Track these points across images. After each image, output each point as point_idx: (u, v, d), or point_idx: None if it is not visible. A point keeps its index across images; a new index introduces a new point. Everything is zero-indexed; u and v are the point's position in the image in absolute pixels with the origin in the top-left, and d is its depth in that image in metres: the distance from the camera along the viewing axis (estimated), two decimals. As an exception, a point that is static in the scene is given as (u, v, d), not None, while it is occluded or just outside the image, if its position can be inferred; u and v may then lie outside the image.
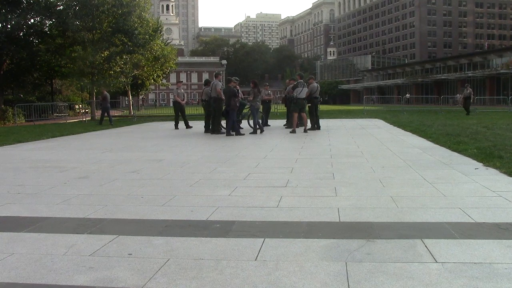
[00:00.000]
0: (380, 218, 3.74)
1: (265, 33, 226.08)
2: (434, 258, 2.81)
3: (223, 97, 12.71)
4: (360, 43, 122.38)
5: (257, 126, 12.84)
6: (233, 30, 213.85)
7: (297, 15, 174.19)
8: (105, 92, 20.37)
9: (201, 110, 18.35)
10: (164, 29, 45.03)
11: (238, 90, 13.01)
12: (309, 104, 13.83)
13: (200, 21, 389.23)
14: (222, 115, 13.11)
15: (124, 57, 28.14)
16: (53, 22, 26.38)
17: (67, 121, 24.90)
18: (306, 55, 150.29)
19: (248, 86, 14.67)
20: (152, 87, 59.11)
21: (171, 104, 18.96)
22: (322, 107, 30.01)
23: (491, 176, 5.48)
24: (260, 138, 11.64)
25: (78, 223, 3.81)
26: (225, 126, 13.02)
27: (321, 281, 2.51)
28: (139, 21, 28.05)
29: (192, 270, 2.72)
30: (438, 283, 2.45)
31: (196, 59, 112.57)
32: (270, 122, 16.41)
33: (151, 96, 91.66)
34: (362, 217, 3.79)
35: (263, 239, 3.26)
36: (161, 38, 40.38)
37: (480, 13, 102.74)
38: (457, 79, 58.22)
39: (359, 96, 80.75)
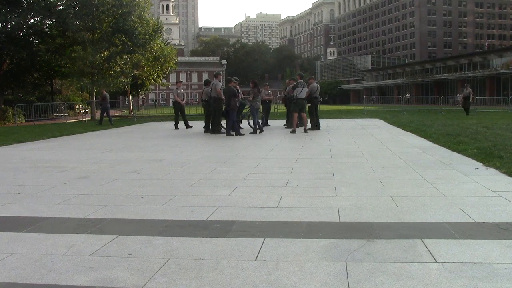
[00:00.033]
0: (380, 218, 3.74)
1: (265, 33, 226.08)
2: (434, 258, 2.81)
3: (223, 97, 12.71)
4: (360, 43, 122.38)
5: (257, 126, 12.85)
6: (233, 30, 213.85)
7: (297, 15, 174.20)
8: (105, 92, 20.37)
9: (201, 110, 18.35)
10: (164, 29, 45.03)
11: (238, 90, 13.01)
12: (309, 104, 13.83)
13: (200, 21, 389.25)
14: (222, 115, 13.11)
15: (124, 57, 28.14)
16: (53, 22, 26.37)
17: (67, 121, 24.90)
18: (306, 55, 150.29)
19: (248, 86, 14.68)
20: (152, 87, 59.11)
21: (171, 104, 18.96)
22: (322, 107, 30.01)
23: (491, 176, 5.48)
24: (260, 138, 11.64)
25: (78, 223, 3.81)
26: (225, 126, 13.02)
27: (321, 281, 2.51)
28: (139, 21, 28.05)
29: (192, 270, 2.72)
30: (438, 283, 2.45)
31: (196, 59, 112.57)
32: (270, 122, 16.41)
33: (151, 96, 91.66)
34: (362, 217, 3.79)
35: (263, 239, 3.26)
36: (161, 38, 40.37)
37: (480, 13, 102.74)
38: (457, 79, 58.23)
39: (359, 96, 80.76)
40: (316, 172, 6.15)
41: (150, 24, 30.96)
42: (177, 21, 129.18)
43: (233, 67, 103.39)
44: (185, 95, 18.71)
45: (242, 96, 14.34)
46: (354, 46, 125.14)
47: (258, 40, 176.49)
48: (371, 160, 7.12)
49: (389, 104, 48.08)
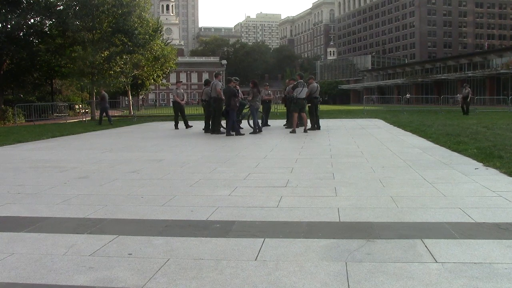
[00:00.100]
0: (380, 218, 3.74)
1: (265, 33, 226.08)
2: (434, 258, 2.81)
3: (223, 97, 12.71)
4: (360, 43, 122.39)
5: (256, 126, 12.85)
6: (233, 30, 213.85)
7: (297, 15, 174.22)
8: (103, 92, 20.39)
9: (201, 110, 18.35)
10: (164, 29, 45.02)
11: (238, 90, 13.01)
12: (309, 104, 13.83)
13: (200, 21, 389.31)
14: (222, 115, 13.11)
15: (124, 57, 28.14)
16: (53, 22, 26.37)
17: (67, 121, 24.90)
18: (306, 55, 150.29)
19: (248, 86, 14.68)
20: (152, 87, 59.10)
21: (171, 104, 18.98)
22: (322, 107, 30.01)
23: (491, 176, 5.48)
24: (260, 138, 11.64)
25: (78, 223, 3.81)
26: (225, 126, 13.01)
27: (321, 281, 2.51)
28: (139, 21, 28.05)
29: (192, 270, 2.72)
30: (438, 283, 2.45)
31: (196, 59, 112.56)
32: (270, 122, 16.41)
33: (151, 96, 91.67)
34: (362, 217, 3.79)
35: (263, 239, 3.26)
36: (161, 38, 40.37)
37: (480, 13, 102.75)
38: (457, 79, 58.23)
39: (359, 96, 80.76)
40: (316, 172, 6.15)
41: (150, 24, 30.96)
42: (177, 21, 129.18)
43: (233, 67, 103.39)
44: (185, 95, 18.71)
45: (242, 96, 14.34)
46: (354, 46, 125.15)
47: (258, 40, 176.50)
48: (371, 160, 7.12)
49: (389, 104, 48.08)
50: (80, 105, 36.63)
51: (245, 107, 14.09)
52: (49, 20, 26.45)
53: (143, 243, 3.24)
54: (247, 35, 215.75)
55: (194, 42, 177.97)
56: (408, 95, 50.32)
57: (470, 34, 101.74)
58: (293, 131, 12.70)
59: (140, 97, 57.36)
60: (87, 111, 30.59)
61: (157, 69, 39.24)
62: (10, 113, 23.94)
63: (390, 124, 16.11)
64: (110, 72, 27.63)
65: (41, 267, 2.81)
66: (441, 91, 57.21)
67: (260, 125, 13.84)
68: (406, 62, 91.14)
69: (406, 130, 12.83)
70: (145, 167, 6.95)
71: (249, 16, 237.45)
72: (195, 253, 3.01)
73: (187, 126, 15.91)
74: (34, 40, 27.00)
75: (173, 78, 68.74)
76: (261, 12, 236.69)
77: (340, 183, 5.28)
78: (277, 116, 22.72)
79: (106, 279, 2.60)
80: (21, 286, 2.53)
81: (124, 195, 4.91)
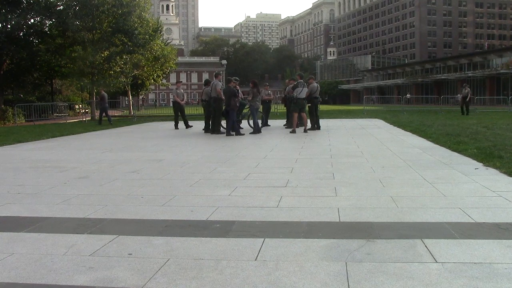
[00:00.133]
0: (380, 218, 3.74)
1: (265, 33, 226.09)
2: (434, 258, 2.81)
3: (223, 97, 12.70)
4: (360, 43, 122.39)
5: (256, 126, 12.85)
6: (233, 30, 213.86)
7: (297, 15, 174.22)
8: (103, 92, 20.40)
9: (201, 110, 18.35)
10: (164, 29, 45.03)
11: (238, 90, 13.01)
12: (309, 104, 13.83)
13: (200, 21, 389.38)
14: (222, 115, 13.11)
15: (124, 57, 28.15)
16: (53, 22, 26.38)
17: (67, 121, 24.90)
18: (306, 55, 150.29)
19: (248, 86, 14.68)
20: (152, 87, 59.13)
21: (171, 104, 18.99)
22: (322, 107, 30.01)
23: (491, 176, 5.48)
24: (260, 138, 11.64)
25: (78, 223, 3.81)
26: (225, 126, 13.01)
27: (321, 281, 2.51)
28: (139, 21, 28.05)
29: (192, 270, 2.72)
30: (438, 283, 2.45)
31: (196, 59, 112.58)
32: (270, 122, 16.41)
33: (151, 96, 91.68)
34: (362, 217, 3.79)
35: (263, 239, 3.26)
36: (161, 38, 40.38)
37: (480, 13, 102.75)
38: (457, 79, 58.23)
39: (359, 96, 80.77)
40: (316, 172, 6.15)
41: (150, 24, 30.96)
42: (177, 21, 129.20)
43: (233, 67, 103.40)
44: (185, 95, 18.71)
45: (242, 96, 14.34)
46: (354, 46, 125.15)
47: (258, 40, 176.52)
48: (371, 160, 7.12)
49: (389, 104, 48.10)
50: (80, 105, 36.64)
51: (245, 107, 14.09)
52: (49, 20, 26.46)
53: (143, 243, 3.24)
54: (247, 35, 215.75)
55: (194, 42, 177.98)
56: (408, 95, 50.33)
57: (470, 34, 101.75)
58: (293, 131, 12.70)
59: (140, 97, 57.38)
60: (87, 111, 30.60)
61: (157, 69, 39.25)
62: (10, 113, 23.94)
63: (390, 124, 16.11)
64: (110, 72, 27.64)
65: (41, 267, 2.81)
66: (441, 91, 57.22)
67: (260, 125, 13.85)
68: (406, 62, 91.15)
69: (406, 130, 12.83)
70: (145, 167, 6.95)
71: (249, 16, 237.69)
72: (195, 253, 3.01)
73: (187, 126, 15.91)
74: (34, 40, 27.00)
75: (173, 78, 68.77)
76: (261, 12, 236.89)
77: (340, 183, 5.28)
78: (277, 116, 22.72)
79: (106, 279, 2.60)
80: (21, 286, 2.53)
81: (124, 195, 4.91)
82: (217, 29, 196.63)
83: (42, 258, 2.97)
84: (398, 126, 14.54)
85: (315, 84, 14.09)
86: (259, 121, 13.92)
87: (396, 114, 25.09)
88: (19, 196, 4.96)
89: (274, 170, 6.39)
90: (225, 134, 12.53)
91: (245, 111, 14.37)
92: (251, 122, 13.52)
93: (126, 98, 48.14)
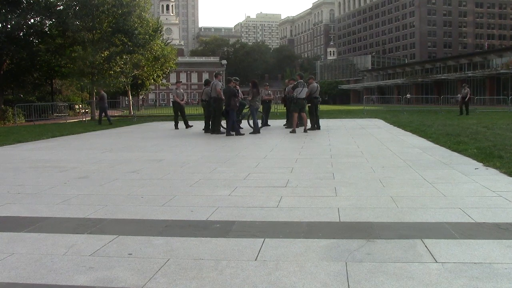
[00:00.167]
0: (380, 218, 3.74)
1: (265, 33, 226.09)
2: (434, 258, 2.81)
3: (223, 97, 12.71)
4: (360, 43, 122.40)
5: (256, 127, 12.85)
6: (233, 30, 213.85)
7: (297, 15, 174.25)
8: (102, 92, 20.41)
9: (201, 110, 18.35)
10: (164, 29, 45.00)
11: (238, 90, 13.01)
12: (309, 104, 13.83)
13: (200, 21, 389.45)
14: (222, 115, 13.11)
15: (124, 57, 28.15)
16: (53, 22, 26.38)
17: (67, 121, 24.90)
18: (306, 55, 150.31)
19: (248, 86, 14.68)
20: (152, 87, 59.11)
21: (171, 104, 18.99)
22: (322, 107, 30.01)
23: (491, 176, 5.48)
24: (260, 138, 11.64)
25: (78, 223, 3.81)
26: (225, 126, 13.01)
27: (321, 281, 2.51)
28: (139, 21, 28.06)
29: (192, 270, 2.72)
30: (438, 283, 2.45)
31: (196, 59, 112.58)
32: (270, 122, 16.41)
33: (151, 96, 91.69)
34: (362, 217, 3.79)
35: (263, 239, 3.26)
36: (161, 38, 40.37)
37: (480, 13, 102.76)
38: (457, 79, 58.24)
39: (359, 96, 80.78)
40: (316, 172, 6.15)
41: (150, 24, 30.97)
42: (177, 21, 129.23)
43: (233, 67, 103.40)
44: (185, 95, 18.71)
45: (242, 96, 14.34)
46: (354, 46, 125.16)
47: (258, 40, 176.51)
48: (371, 160, 7.12)
49: (389, 104, 48.12)
50: (80, 105, 36.64)
51: (245, 107, 14.09)
52: (49, 20, 26.46)
53: (143, 243, 3.24)
54: (247, 35, 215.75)
55: (194, 42, 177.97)
56: (408, 95, 50.34)
57: (470, 34, 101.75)
58: (293, 131, 12.70)
59: (140, 97, 57.38)
60: (87, 111, 30.60)
61: (157, 69, 39.25)
62: (10, 113, 23.94)
63: (390, 124, 16.11)
64: (110, 72, 27.64)
65: (41, 267, 2.81)
66: (441, 91, 57.23)
67: (260, 125, 13.85)
68: (406, 62, 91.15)
69: (406, 130, 12.83)
70: (145, 167, 6.95)
71: (249, 16, 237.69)
72: (195, 253, 3.01)
73: (187, 126, 15.91)
74: (34, 40, 27.00)
75: (173, 78, 68.75)
76: (261, 12, 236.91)
77: (340, 183, 5.28)
78: (277, 116, 22.72)
79: (106, 279, 2.60)
80: (21, 286, 2.53)
81: (124, 195, 4.91)
82: (217, 29, 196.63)
83: (42, 258, 2.97)
84: (398, 126, 14.54)
85: (315, 84, 14.09)
86: (259, 121, 13.92)
87: (396, 114, 25.09)
88: (19, 196, 4.96)
89: (274, 170, 6.39)
90: (225, 134, 12.53)
91: (245, 111, 14.37)
92: (251, 122, 13.52)
93: (126, 98, 48.14)
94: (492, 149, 7.64)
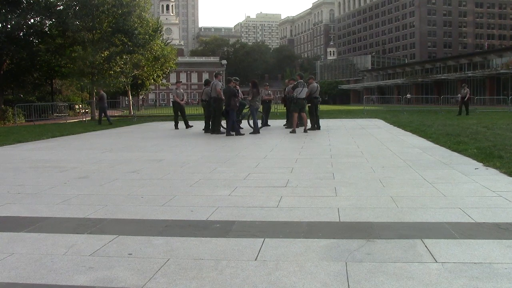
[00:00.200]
0: (380, 218, 3.74)
1: (265, 33, 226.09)
2: (434, 258, 2.81)
3: (223, 97, 12.71)
4: (360, 43, 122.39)
5: (256, 127, 12.85)
6: (233, 30, 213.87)
7: (297, 15, 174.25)
8: (102, 92, 20.42)
9: (201, 110, 18.35)
10: (164, 29, 45.05)
11: (238, 90, 13.01)
12: (309, 104, 13.83)
13: (200, 21, 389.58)
14: (222, 115, 13.11)
15: (124, 57, 28.16)
16: (53, 22, 26.38)
17: (67, 121, 24.90)
18: (306, 55, 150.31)
19: (248, 86, 14.69)
20: (152, 87, 59.13)
21: (171, 104, 18.99)
22: (322, 107, 30.00)
23: (491, 176, 5.48)
24: (260, 138, 11.64)
25: (78, 223, 3.81)
26: (225, 126, 13.01)
27: (321, 281, 2.51)
28: (139, 21, 28.07)
29: (192, 270, 2.72)
30: (438, 283, 2.45)
31: (196, 59, 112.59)
32: (270, 122, 16.41)
33: (151, 96, 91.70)
34: (362, 217, 3.79)
35: (263, 239, 3.26)
36: (161, 38, 40.39)
37: (480, 13, 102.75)
38: (457, 79, 58.24)
39: (359, 96, 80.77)
40: (316, 172, 6.15)
41: (150, 24, 30.98)
42: (177, 21, 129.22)
43: (233, 67, 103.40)
44: (185, 95, 18.70)
45: (242, 96, 14.35)
46: (354, 46, 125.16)
47: (258, 40, 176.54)
48: (371, 160, 7.12)
49: (389, 104, 48.12)
50: (80, 105, 36.65)
51: (245, 107, 14.09)
52: (49, 20, 26.46)
53: (143, 243, 3.24)
54: (247, 35, 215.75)
55: (194, 42, 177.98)
56: (408, 95, 50.34)
57: (470, 34, 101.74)
58: (293, 131, 12.70)
59: (140, 97, 57.39)
60: (87, 111, 30.60)
61: (157, 69, 39.26)
62: (10, 113, 23.94)
63: (390, 124, 16.11)
64: (110, 72, 27.65)
65: (41, 267, 2.81)
66: (441, 91, 57.22)
67: (260, 125, 13.84)
68: (406, 62, 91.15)
69: (406, 130, 12.83)
70: (145, 167, 6.95)
71: (249, 16, 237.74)
72: (195, 253, 3.01)
73: (187, 126, 15.91)
74: (34, 40, 27.00)
75: (173, 78, 68.75)
76: (261, 12, 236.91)
77: (340, 183, 5.28)
78: (277, 116, 22.72)
79: (106, 279, 2.60)
80: (21, 286, 2.53)
81: (124, 195, 4.91)
82: (217, 29, 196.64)
83: (42, 258, 2.97)
84: (398, 126, 14.54)
85: (315, 84, 14.09)
86: (259, 121, 13.92)
87: (396, 114, 25.09)
88: (19, 196, 4.96)
89: (274, 170, 6.39)
90: (225, 134, 12.53)
91: (245, 111, 14.37)
92: (251, 122, 13.53)
93: (126, 98, 48.15)
94: (492, 149, 7.64)
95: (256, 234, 3.38)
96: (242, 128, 13.51)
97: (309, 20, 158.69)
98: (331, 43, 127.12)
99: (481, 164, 6.39)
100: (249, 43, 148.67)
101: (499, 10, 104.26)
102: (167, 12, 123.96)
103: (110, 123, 19.66)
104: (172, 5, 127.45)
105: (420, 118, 19.89)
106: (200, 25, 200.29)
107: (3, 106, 25.31)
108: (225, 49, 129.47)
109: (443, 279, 2.50)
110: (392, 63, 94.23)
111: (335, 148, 8.94)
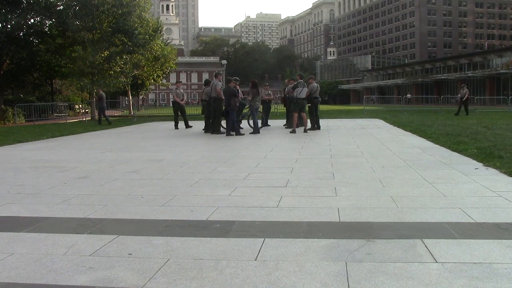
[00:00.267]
0: (380, 218, 3.74)
1: (265, 33, 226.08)
2: (434, 258, 2.81)
3: (223, 97, 12.71)
4: (360, 43, 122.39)
5: (256, 127, 12.85)
6: (233, 30, 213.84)
7: (297, 15, 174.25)
8: (101, 92, 20.45)
9: (201, 110, 18.34)
10: (164, 29, 45.02)
11: (238, 90, 13.01)
12: (309, 104, 13.83)
13: (200, 21, 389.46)
14: (222, 115, 13.11)
15: (124, 57, 28.16)
16: (53, 22, 26.39)
17: (67, 121, 24.90)
18: (306, 55, 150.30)
19: (248, 86, 14.69)
20: (152, 87, 59.14)
21: (171, 104, 19.00)
22: (322, 107, 30.00)
23: (491, 176, 5.48)
24: (260, 138, 11.64)
25: (78, 223, 3.81)
26: (225, 126, 13.01)
27: (321, 281, 2.51)
28: (139, 21, 28.07)
29: (192, 270, 2.72)
30: (438, 283, 2.45)
31: (196, 59, 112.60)
32: (270, 122, 16.41)
33: (151, 96, 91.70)
34: (362, 217, 3.79)
35: (263, 239, 3.26)
36: (161, 38, 40.39)
37: (480, 13, 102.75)
38: (457, 79, 58.23)
39: (359, 96, 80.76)
40: (316, 172, 6.15)
41: (150, 24, 30.98)
42: (177, 21, 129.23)
43: (233, 67, 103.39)
44: (185, 95, 18.71)
45: (242, 96, 14.34)
46: (354, 46, 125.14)
47: (258, 40, 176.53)
48: (371, 160, 7.12)
49: (389, 104, 48.11)
50: (80, 105, 36.64)
51: (245, 107, 14.09)
52: (49, 20, 26.47)
53: (143, 243, 3.24)
54: (247, 35, 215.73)
55: (194, 42, 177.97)
56: (408, 95, 50.33)
57: (470, 34, 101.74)
58: (293, 131, 12.70)
59: (140, 97, 57.39)
60: (87, 111, 30.60)
61: (157, 69, 39.26)
62: (10, 113, 23.94)
63: (390, 124, 16.11)
64: (110, 72, 27.65)
65: (41, 267, 2.81)
66: (441, 91, 57.21)
67: (260, 125, 13.83)
68: (406, 62, 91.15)
69: (406, 130, 12.83)
70: (145, 167, 6.95)
71: (249, 16, 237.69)
72: (195, 253, 3.01)
73: (187, 126, 15.91)
74: (34, 40, 27.01)
75: (173, 78, 68.75)
76: (261, 12, 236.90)
77: (340, 183, 5.28)
78: (277, 116, 22.72)
79: (106, 279, 2.60)
80: (21, 286, 2.53)
81: (124, 195, 4.91)
82: (217, 29, 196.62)
83: (42, 258, 2.97)
84: (398, 126, 14.54)
85: (315, 84, 14.09)
86: (259, 121, 13.92)
87: (396, 114, 25.09)
88: (19, 196, 4.96)
89: (274, 170, 6.39)
90: (225, 134, 12.53)
91: (245, 111, 14.37)
92: (251, 122, 13.53)
93: (126, 98, 48.15)
94: (492, 149, 7.64)
95: (256, 234, 3.38)
96: (242, 128, 13.51)
97: (309, 20, 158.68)
98: (331, 43, 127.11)
99: (481, 164, 6.39)
100: (249, 43, 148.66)
101: (499, 10, 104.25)
102: (167, 12, 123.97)
103: (109, 123, 19.66)
104: (172, 5, 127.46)
105: (420, 118, 19.89)
106: (200, 25, 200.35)
107: (3, 106, 25.31)
108: (225, 49, 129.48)
109: (443, 279, 2.50)
110: (392, 63, 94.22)
111: (335, 148, 8.94)
